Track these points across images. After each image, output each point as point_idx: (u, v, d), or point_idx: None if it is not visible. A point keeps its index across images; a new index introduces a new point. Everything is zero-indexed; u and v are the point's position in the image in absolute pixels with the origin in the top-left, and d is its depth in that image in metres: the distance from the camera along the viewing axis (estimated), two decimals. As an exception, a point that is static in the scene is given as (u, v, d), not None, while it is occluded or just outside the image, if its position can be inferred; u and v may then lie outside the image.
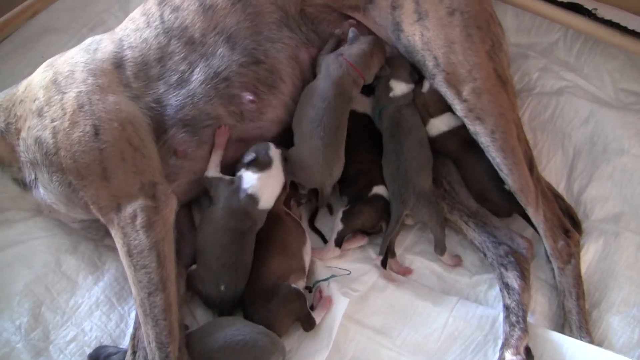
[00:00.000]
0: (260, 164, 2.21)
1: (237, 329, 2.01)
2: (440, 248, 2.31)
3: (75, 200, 2.10)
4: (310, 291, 2.23)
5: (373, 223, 2.35)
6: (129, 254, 2.01)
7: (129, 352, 2.11)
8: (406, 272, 2.32)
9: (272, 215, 2.27)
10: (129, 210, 2.02)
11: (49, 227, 2.43)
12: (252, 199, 2.18)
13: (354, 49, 2.39)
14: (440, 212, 2.33)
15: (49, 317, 2.26)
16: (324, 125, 2.26)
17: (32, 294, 2.29)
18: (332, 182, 2.32)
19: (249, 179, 2.20)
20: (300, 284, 2.20)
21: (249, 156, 2.22)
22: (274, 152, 2.24)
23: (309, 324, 2.13)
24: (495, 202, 2.32)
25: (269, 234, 2.24)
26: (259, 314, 2.12)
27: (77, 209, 2.15)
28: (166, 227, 2.06)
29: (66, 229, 2.41)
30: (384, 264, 2.27)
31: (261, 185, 2.19)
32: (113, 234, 2.06)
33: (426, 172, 2.34)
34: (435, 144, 2.41)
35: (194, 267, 2.20)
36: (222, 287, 2.13)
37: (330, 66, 2.35)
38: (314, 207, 2.46)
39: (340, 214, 2.34)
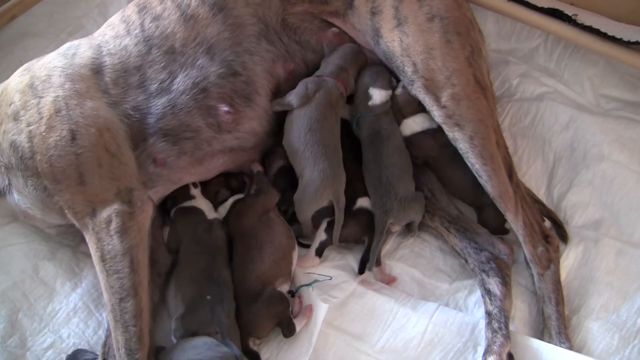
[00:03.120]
0: (181, 198, 2.38)
1: (199, 354, 1.97)
2: (413, 231, 2.36)
3: (51, 205, 2.08)
4: (292, 295, 2.22)
5: (356, 236, 2.35)
6: (102, 258, 2.00)
7: (99, 360, 2.11)
8: (390, 280, 2.31)
9: (266, 217, 2.29)
10: (104, 215, 2.01)
11: (26, 234, 2.41)
12: (197, 211, 2.35)
13: (330, 66, 2.41)
14: (422, 199, 2.34)
15: (26, 324, 2.25)
16: (324, 145, 2.27)
17: (9, 300, 2.28)
18: (342, 191, 2.30)
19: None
20: (284, 288, 2.20)
21: (170, 201, 2.38)
22: (194, 191, 2.39)
23: (289, 330, 2.12)
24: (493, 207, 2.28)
25: (261, 235, 2.25)
26: (242, 314, 2.12)
27: (52, 214, 2.13)
28: (141, 233, 2.05)
29: (43, 235, 2.40)
30: (361, 269, 2.28)
31: (194, 203, 2.37)
32: (87, 239, 2.04)
33: (407, 177, 2.34)
34: (410, 146, 2.40)
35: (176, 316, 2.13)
36: (208, 297, 2.10)
37: (309, 86, 2.35)
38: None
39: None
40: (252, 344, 2.12)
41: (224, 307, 2.09)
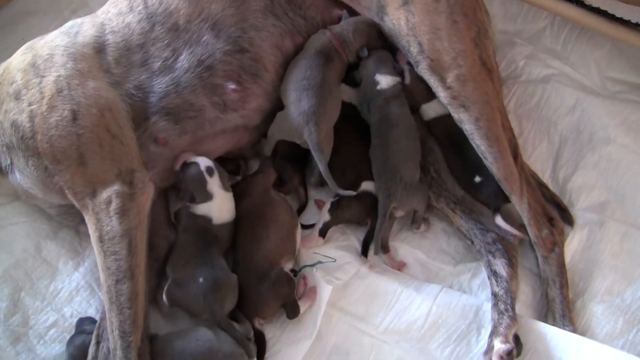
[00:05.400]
0: (200, 198, 2.22)
1: (198, 343, 2.00)
2: (418, 223, 2.33)
3: (51, 185, 2.07)
4: (295, 275, 2.22)
5: (360, 218, 2.34)
6: (100, 239, 1.99)
7: (92, 342, 2.11)
8: (400, 266, 2.30)
9: (265, 196, 2.29)
10: (104, 195, 2.01)
11: (28, 212, 2.41)
12: (205, 218, 2.22)
13: (338, 26, 2.42)
14: (426, 191, 2.33)
15: (28, 303, 2.26)
16: (307, 78, 2.26)
17: (12, 279, 2.29)
18: (316, 134, 2.23)
19: (199, 208, 2.24)
20: (288, 267, 2.20)
21: (186, 194, 2.24)
22: (212, 185, 2.23)
23: (293, 312, 2.12)
24: (485, 199, 2.30)
25: (265, 213, 2.25)
26: (248, 294, 2.12)
27: (53, 194, 2.12)
28: (140, 215, 2.05)
29: (46, 214, 2.40)
30: (364, 251, 2.28)
31: (209, 208, 2.23)
32: (87, 220, 2.04)
33: (413, 163, 2.32)
34: (429, 128, 2.43)
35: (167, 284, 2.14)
36: (201, 279, 2.09)
37: (314, 38, 2.38)
38: (301, 205, 2.45)
39: (328, 205, 2.32)
40: (257, 324, 2.13)
41: (219, 296, 2.08)
